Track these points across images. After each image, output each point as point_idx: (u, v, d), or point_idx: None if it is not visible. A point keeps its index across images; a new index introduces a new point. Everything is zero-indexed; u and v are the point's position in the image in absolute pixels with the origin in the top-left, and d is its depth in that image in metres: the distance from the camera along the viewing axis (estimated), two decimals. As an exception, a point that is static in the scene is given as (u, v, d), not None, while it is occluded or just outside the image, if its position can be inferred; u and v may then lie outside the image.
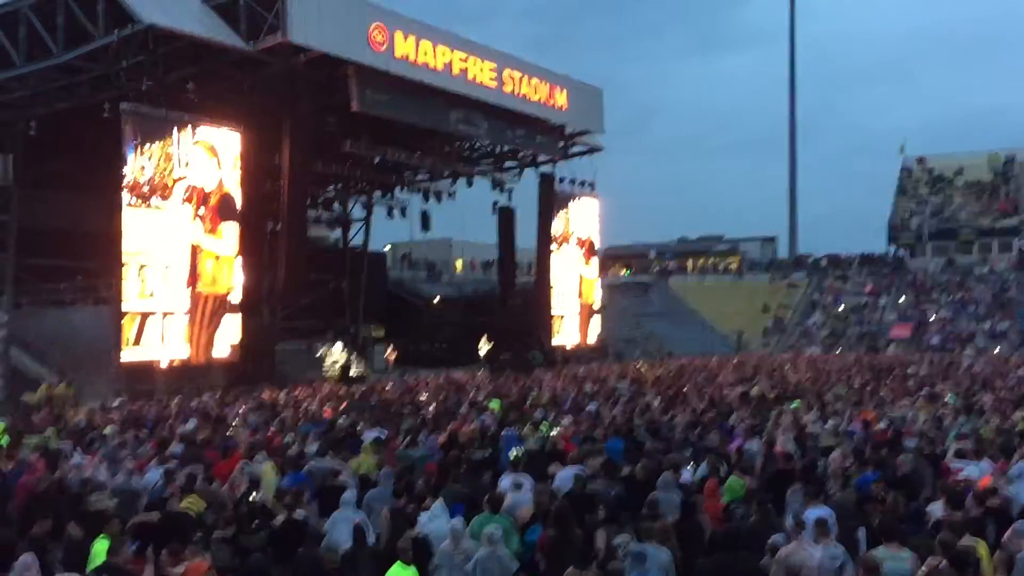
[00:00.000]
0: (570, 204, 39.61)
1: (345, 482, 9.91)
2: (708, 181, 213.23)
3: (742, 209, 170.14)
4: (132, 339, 22.37)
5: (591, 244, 41.60)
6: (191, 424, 15.10)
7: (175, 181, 23.52)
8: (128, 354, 22.42)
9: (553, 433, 12.76)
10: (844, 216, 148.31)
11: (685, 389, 20.69)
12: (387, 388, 24.57)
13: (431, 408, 17.95)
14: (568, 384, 23.88)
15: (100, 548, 7.17)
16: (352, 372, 30.20)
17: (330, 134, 28.52)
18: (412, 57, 27.11)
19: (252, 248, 26.26)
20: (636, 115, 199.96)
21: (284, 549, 7.79)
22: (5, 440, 13.44)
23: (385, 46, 26.09)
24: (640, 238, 77.47)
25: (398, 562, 6.91)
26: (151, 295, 22.85)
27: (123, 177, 22.45)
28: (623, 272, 63.47)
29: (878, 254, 59.27)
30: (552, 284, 38.12)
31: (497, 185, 37.93)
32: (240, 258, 25.51)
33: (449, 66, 28.58)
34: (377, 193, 39.02)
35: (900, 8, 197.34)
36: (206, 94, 24.44)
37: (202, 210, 24.36)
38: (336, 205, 40.34)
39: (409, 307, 44.17)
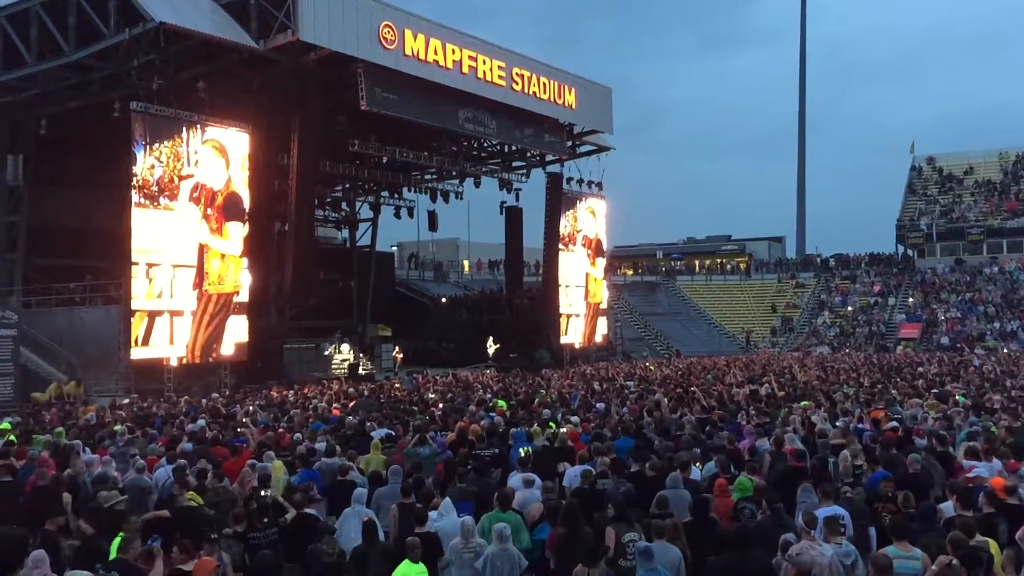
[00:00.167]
0: (578, 204, 39.64)
1: (356, 479, 9.93)
2: (716, 180, 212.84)
3: (750, 208, 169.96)
4: (141, 338, 22.52)
5: (599, 244, 41.61)
6: (200, 422, 15.14)
7: (182, 179, 23.63)
8: (137, 353, 22.56)
9: (562, 431, 12.74)
10: (852, 215, 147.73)
11: (693, 388, 20.62)
12: (396, 386, 24.62)
13: (440, 406, 17.95)
14: (576, 383, 23.86)
15: (117, 546, 7.16)
16: (360, 371, 30.31)
17: (338, 134, 28.60)
18: (422, 55, 27.21)
19: (260, 248, 26.37)
20: (644, 114, 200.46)
21: (295, 545, 7.80)
22: (15, 438, 13.52)
23: (395, 44, 26.19)
24: (647, 238, 77.60)
25: (406, 560, 6.89)
26: (159, 295, 22.99)
27: (133, 176, 22.57)
28: (630, 272, 63.48)
29: (887, 254, 59.05)
30: (560, 284, 38.15)
31: (505, 185, 37.98)
32: (247, 258, 25.60)
33: (458, 64, 28.67)
34: (385, 193, 39.14)
35: (910, 5, 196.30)
36: (216, 93, 24.58)
37: (209, 210, 24.48)
38: (344, 205, 40.47)
39: (416, 307, 44.23)
